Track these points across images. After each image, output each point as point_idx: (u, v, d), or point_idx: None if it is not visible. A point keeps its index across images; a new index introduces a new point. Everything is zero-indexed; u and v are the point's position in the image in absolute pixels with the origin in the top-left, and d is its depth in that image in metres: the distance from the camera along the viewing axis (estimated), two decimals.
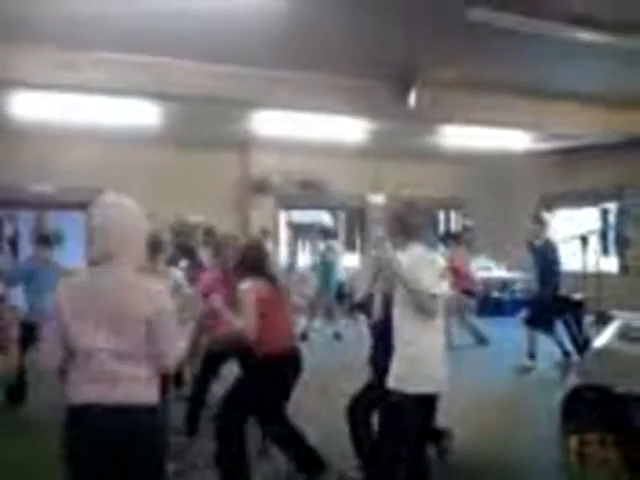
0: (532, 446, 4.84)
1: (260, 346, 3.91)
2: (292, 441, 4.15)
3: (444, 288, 3.29)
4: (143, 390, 2.34)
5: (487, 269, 12.28)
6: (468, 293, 8.82)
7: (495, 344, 8.68)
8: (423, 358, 3.21)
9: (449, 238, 9.42)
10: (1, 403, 5.72)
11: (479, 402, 6.02)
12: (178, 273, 5.07)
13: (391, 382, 3.26)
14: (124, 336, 2.29)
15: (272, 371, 3.94)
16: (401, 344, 3.26)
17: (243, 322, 3.82)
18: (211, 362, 5.10)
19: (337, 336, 9.28)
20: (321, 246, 9.88)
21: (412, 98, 7.26)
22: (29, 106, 7.46)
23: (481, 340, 8.85)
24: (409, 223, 3.36)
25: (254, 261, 4.09)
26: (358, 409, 4.04)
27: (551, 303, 7.25)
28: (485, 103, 7.82)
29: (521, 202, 11.83)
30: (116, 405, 2.28)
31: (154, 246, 4.59)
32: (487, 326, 9.20)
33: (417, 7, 5.04)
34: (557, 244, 7.58)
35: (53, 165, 9.62)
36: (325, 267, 9.52)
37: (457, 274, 8.64)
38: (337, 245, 9.97)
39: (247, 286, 3.90)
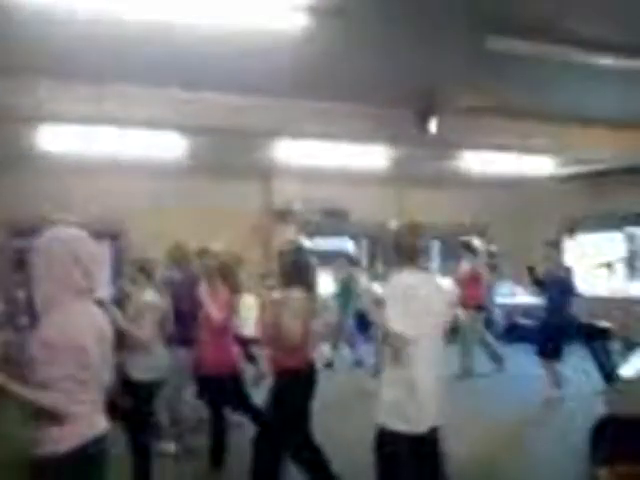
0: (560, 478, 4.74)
1: (292, 357, 3.92)
2: (318, 467, 4.12)
3: (430, 320, 3.10)
4: None
5: (512, 295, 12.14)
6: (478, 308, 8.75)
7: (520, 371, 8.52)
8: (407, 396, 3.04)
9: (466, 250, 9.25)
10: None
11: (500, 433, 5.95)
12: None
13: (379, 418, 3.12)
14: None
15: (298, 388, 3.96)
16: (385, 383, 3.16)
17: (290, 328, 3.83)
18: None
19: (358, 363, 9.22)
20: (341, 274, 9.83)
21: (433, 124, 7.29)
22: (54, 139, 7.66)
23: (496, 359, 8.78)
24: (404, 246, 3.26)
25: (300, 269, 4.05)
26: None
27: (557, 331, 7.07)
28: (507, 129, 7.82)
29: (545, 227, 11.73)
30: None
31: (147, 273, 4.58)
32: (513, 353, 9.05)
33: (438, 36, 5.10)
34: (571, 269, 7.43)
35: (77, 196, 9.79)
36: (345, 294, 9.45)
37: (469, 286, 8.60)
38: (359, 273, 9.87)
39: (297, 295, 3.91)
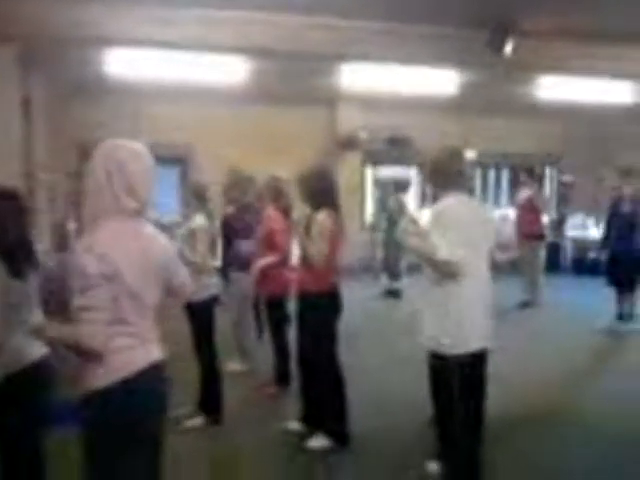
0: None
1: (319, 279, 3.96)
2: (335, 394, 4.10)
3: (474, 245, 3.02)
4: None
5: (583, 228, 11.74)
6: (538, 237, 8.49)
7: (591, 306, 8.31)
8: (458, 317, 3.02)
9: (527, 176, 8.92)
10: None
11: (557, 358, 6.05)
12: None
13: (431, 344, 3.12)
14: None
15: (320, 311, 4.00)
16: (433, 305, 3.12)
17: (317, 250, 3.88)
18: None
19: (396, 294, 9.14)
20: (390, 202, 9.49)
21: (509, 47, 6.91)
22: (123, 63, 7.72)
23: (526, 302, 8.41)
24: (447, 171, 3.17)
25: (327, 191, 4.05)
26: None
27: (626, 262, 7.02)
28: (586, 52, 7.35)
29: (624, 159, 11.10)
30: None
31: (200, 197, 4.60)
32: (583, 286, 8.81)
33: None
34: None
35: (147, 121, 9.93)
36: (390, 223, 8.99)
37: (526, 214, 8.35)
38: (407, 200, 9.50)
39: (323, 216, 3.93)
